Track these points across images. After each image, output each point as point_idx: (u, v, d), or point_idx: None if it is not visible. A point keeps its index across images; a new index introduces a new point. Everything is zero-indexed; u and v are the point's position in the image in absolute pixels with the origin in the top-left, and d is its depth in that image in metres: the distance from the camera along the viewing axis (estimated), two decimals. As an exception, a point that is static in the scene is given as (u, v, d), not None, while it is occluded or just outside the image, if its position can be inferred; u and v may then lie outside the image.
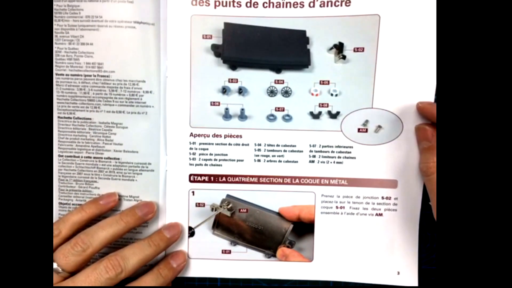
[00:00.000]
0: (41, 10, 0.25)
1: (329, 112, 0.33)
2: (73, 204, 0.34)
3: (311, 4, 0.31)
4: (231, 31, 0.32)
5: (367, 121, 0.33)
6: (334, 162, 0.33)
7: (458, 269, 0.22)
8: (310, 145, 0.33)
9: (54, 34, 0.32)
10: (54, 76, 0.33)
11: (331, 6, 0.31)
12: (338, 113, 0.33)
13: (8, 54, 0.23)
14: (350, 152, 0.33)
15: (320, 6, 0.31)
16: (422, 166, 0.31)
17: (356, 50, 0.32)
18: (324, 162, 0.33)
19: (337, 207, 0.34)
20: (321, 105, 0.33)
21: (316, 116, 0.33)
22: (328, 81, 0.32)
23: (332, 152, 0.33)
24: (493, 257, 0.22)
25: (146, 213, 0.32)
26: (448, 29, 0.24)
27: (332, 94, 0.32)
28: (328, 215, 0.34)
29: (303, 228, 0.34)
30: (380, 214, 0.34)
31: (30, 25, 0.24)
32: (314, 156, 0.33)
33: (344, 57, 0.32)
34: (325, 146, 0.33)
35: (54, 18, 0.32)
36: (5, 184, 0.23)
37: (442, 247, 0.23)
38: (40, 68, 0.24)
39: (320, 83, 0.32)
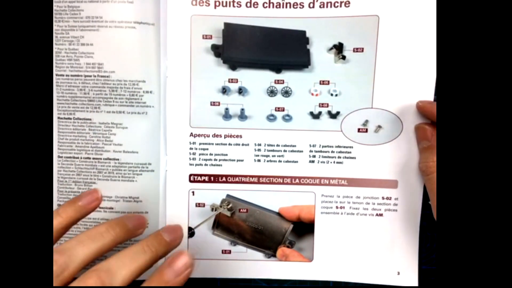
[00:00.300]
0: (41, 11, 0.25)
1: (329, 112, 0.33)
2: (73, 205, 0.34)
3: (311, 5, 0.32)
4: (231, 31, 0.32)
5: (367, 121, 0.33)
6: (334, 162, 0.33)
7: (458, 269, 0.22)
8: (310, 145, 0.33)
9: (54, 34, 0.32)
10: (54, 76, 0.33)
11: (331, 7, 0.31)
12: (338, 113, 0.33)
13: (8, 55, 0.23)
14: (350, 152, 0.33)
15: (320, 6, 0.31)
16: (422, 165, 0.31)
17: (356, 50, 0.32)
18: (324, 162, 0.33)
19: (337, 207, 0.34)
20: (321, 105, 0.33)
21: (316, 116, 0.33)
22: (328, 81, 0.32)
23: (332, 152, 0.33)
24: (493, 257, 0.22)
25: (137, 226, 0.27)
26: (448, 29, 0.24)
27: (332, 94, 0.33)
28: (328, 215, 0.34)
29: (303, 228, 0.34)
30: (381, 214, 0.34)
31: (30, 26, 0.24)
32: (314, 156, 0.33)
33: (344, 57, 0.32)
34: (325, 146, 0.33)
35: (54, 19, 0.32)
36: (4, 185, 0.23)
37: (442, 247, 0.23)
38: (40, 69, 0.24)
39: (320, 83, 0.32)
